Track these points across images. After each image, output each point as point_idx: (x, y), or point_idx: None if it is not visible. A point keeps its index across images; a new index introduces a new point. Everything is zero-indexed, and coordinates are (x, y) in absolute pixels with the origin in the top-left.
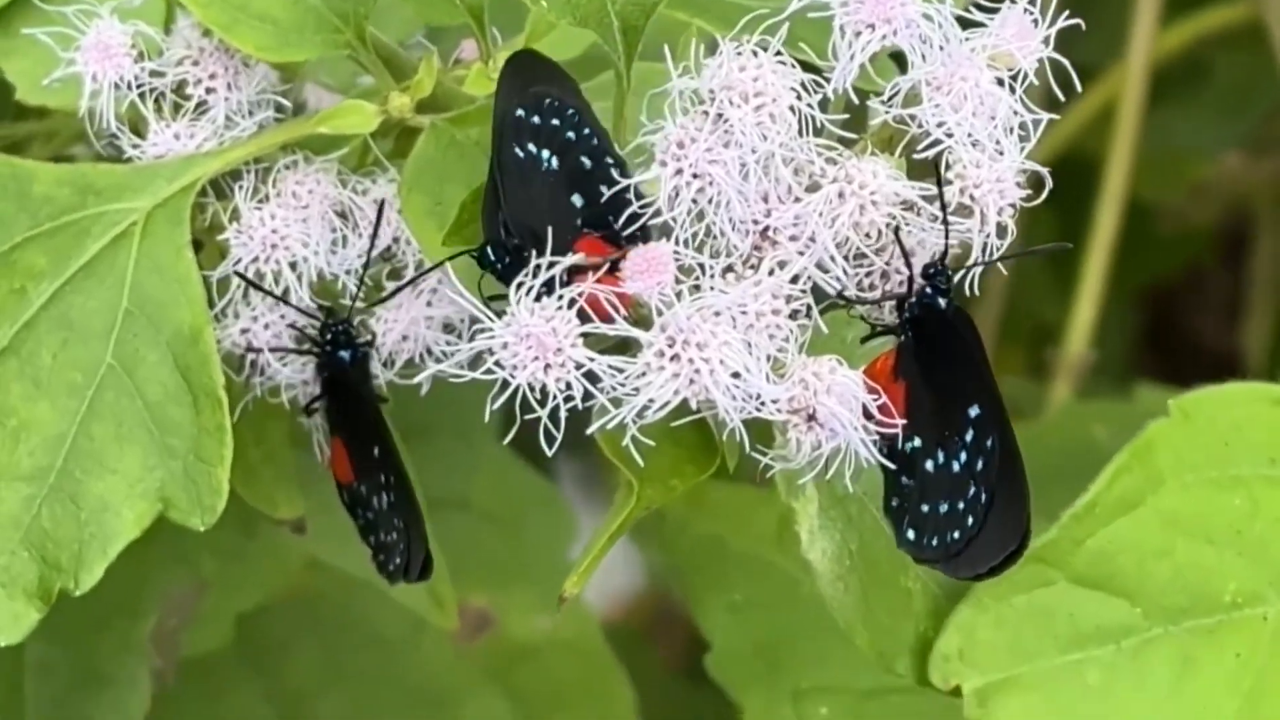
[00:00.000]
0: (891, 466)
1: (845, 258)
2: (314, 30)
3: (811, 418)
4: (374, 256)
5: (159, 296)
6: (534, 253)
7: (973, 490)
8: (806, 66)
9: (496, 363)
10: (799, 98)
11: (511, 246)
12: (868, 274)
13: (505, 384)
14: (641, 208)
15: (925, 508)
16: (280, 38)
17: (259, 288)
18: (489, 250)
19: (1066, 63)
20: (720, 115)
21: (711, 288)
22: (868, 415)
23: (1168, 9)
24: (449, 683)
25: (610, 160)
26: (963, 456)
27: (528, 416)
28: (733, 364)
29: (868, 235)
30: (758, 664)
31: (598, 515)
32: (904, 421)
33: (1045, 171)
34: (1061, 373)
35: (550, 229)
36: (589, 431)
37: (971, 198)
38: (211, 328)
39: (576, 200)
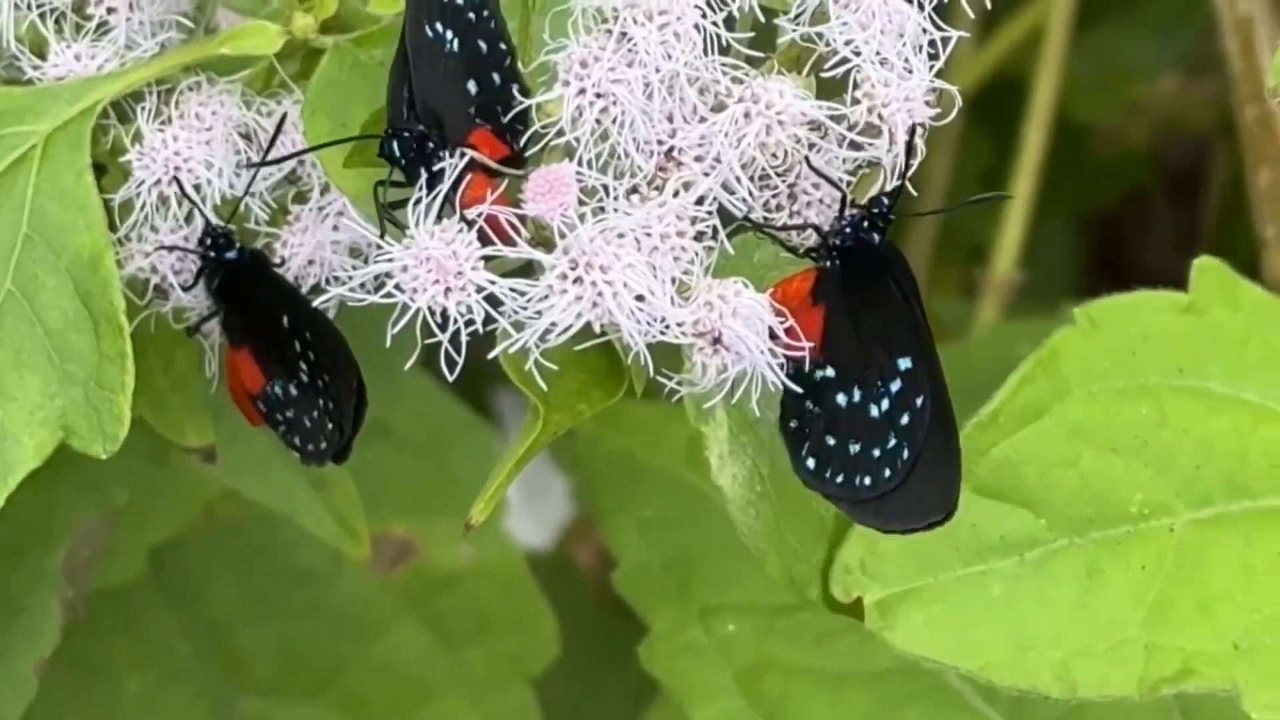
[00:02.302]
0: (795, 388)
1: (751, 178)
2: None
3: (717, 341)
4: (279, 179)
5: (59, 221)
6: (438, 141)
7: (893, 442)
8: None
9: (396, 286)
10: (704, 16)
11: (415, 135)
12: (774, 195)
13: (405, 307)
14: (544, 127)
15: (832, 441)
16: None
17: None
18: (393, 144)
19: None
20: (624, 34)
21: (615, 209)
22: (774, 337)
23: None
24: (370, 612)
25: (504, 46)
26: (884, 404)
27: (428, 341)
28: (636, 286)
29: (774, 156)
30: (666, 581)
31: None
32: (810, 345)
33: (955, 90)
34: (989, 293)
35: (450, 115)
36: (490, 355)
37: (880, 117)
38: (112, 253)
39: (471, 87)
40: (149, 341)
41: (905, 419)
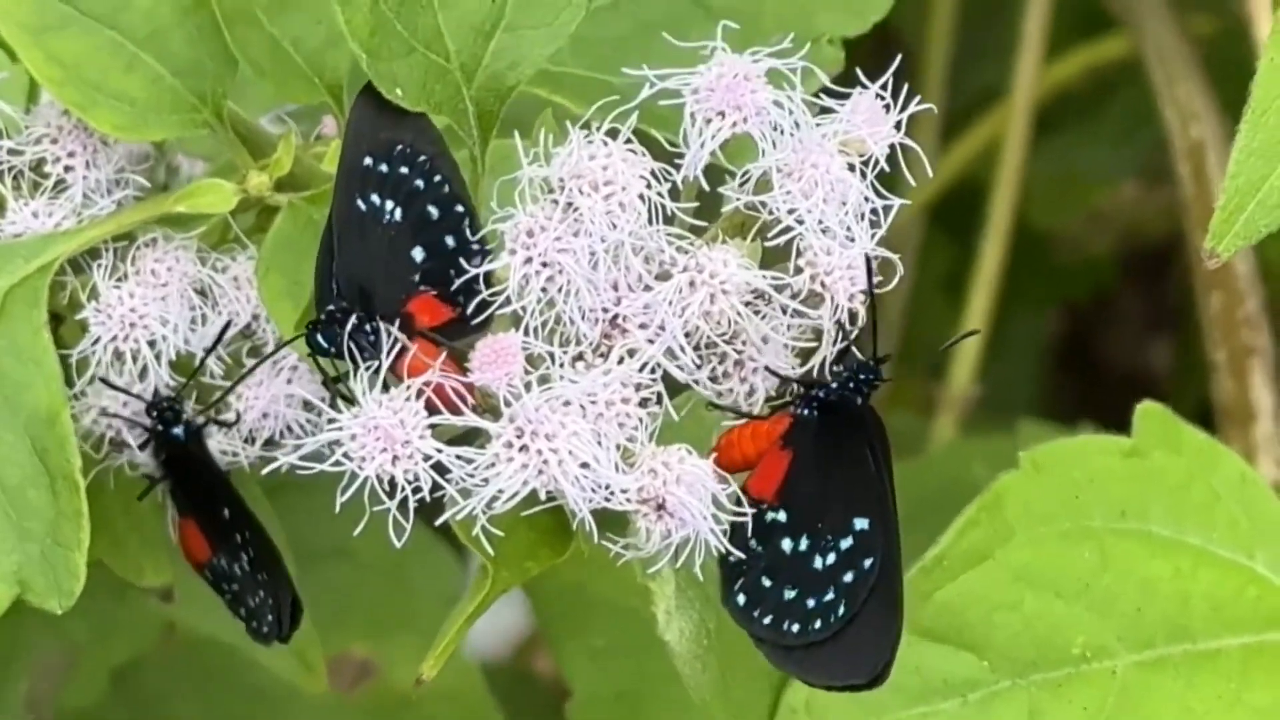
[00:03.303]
0: (744, 519)
1: (696, 346)
2: (171, 110)
3: (661, 507)
4: (234, 333)
5: (15, 377)
6: (362, 318)
7: (830, 596)
8: (658, 151)
9: (345, 454)
10: (649, 186)
11: (339, 320)
12: (720, 362)
13: (354, 475)
14: (491, 295)
15: (767, 583)
16: (138, 117)
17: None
18: (318, 336)
19: (917, 146)
20: (570, 204)
21: (561, 377)
22: (717, 504)
23: (1061, 39)
24: None
25: (460, 209)
26: (831, 558)
27: (376, 509)
28: (581, 454)
29: (718, 324)
30: (619, 710)
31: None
32: (758, 491)
33: (896, 258)
34: (945, 409)
35: (383, 286)
36: (438, 523)
37: (822, 284)
38: (68, 409)
39: (417, 254)
40: (108, 482)
41: (849, 577)
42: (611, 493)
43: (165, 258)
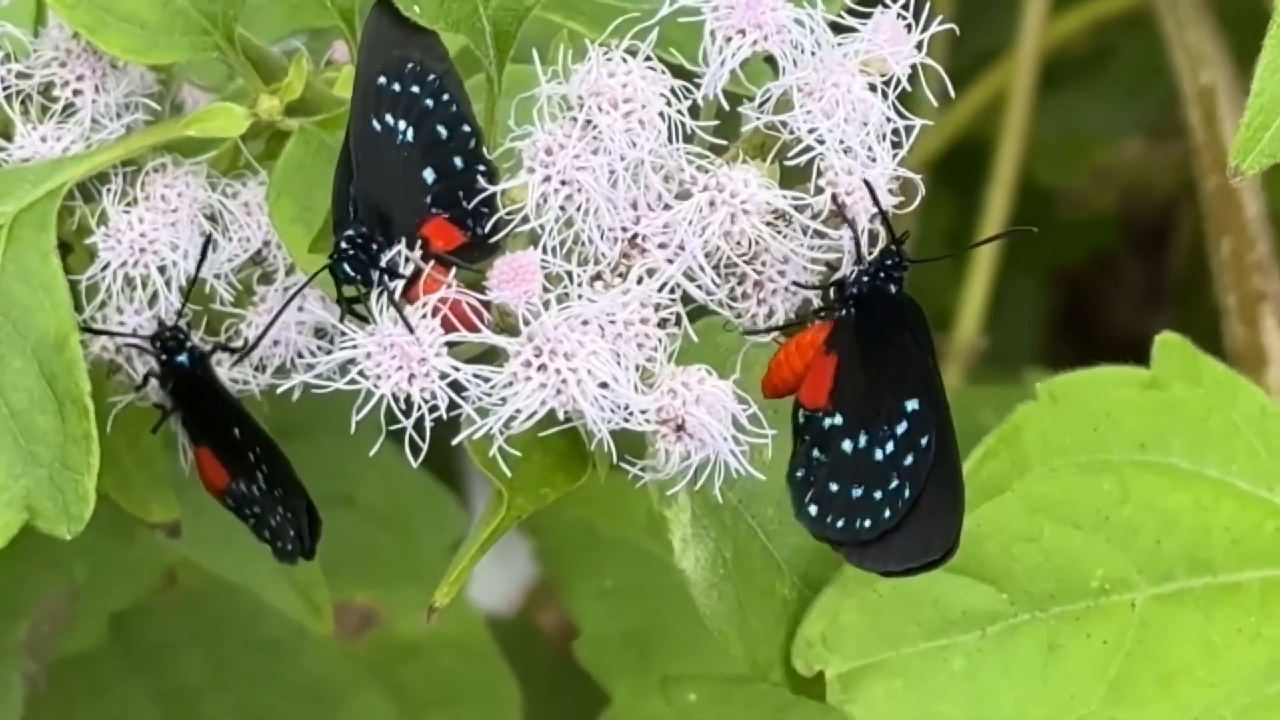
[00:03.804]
0: (805, 437)
1: (715, 266)
2: (182, 33)
3: (680, 428)
4: (244, 259)
5: (24, 302)
6: (383, 243)
7: (895, 483)
8: (678, 71)
9: (360, 372)
10: (669, 104)
11: (361, 245)
12: (739, 282)
13: (370, 393)
14: (509, 213)
15: (834, 487)
16: (148, 40)
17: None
18: (343, 266)
19: (939, 67)
20: (589, 121)
21: (579, 296)
22: (738, 425)
23: None
24: (332, 681)
25: (467, 129)
26: (889, 447)
27: (392, 427)
28: (600, 374)
29: (738, 244)
30: (627, 651)
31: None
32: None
33: (918, 178)
34: (953, 358)
35: (399, 209)
36: (455, 442)
37: (842, 205)
38: (77, 334)
39: (428, 175)
40: (114, 417)
41: (909, 460)
42: (630, 413)
43: (175, 183)
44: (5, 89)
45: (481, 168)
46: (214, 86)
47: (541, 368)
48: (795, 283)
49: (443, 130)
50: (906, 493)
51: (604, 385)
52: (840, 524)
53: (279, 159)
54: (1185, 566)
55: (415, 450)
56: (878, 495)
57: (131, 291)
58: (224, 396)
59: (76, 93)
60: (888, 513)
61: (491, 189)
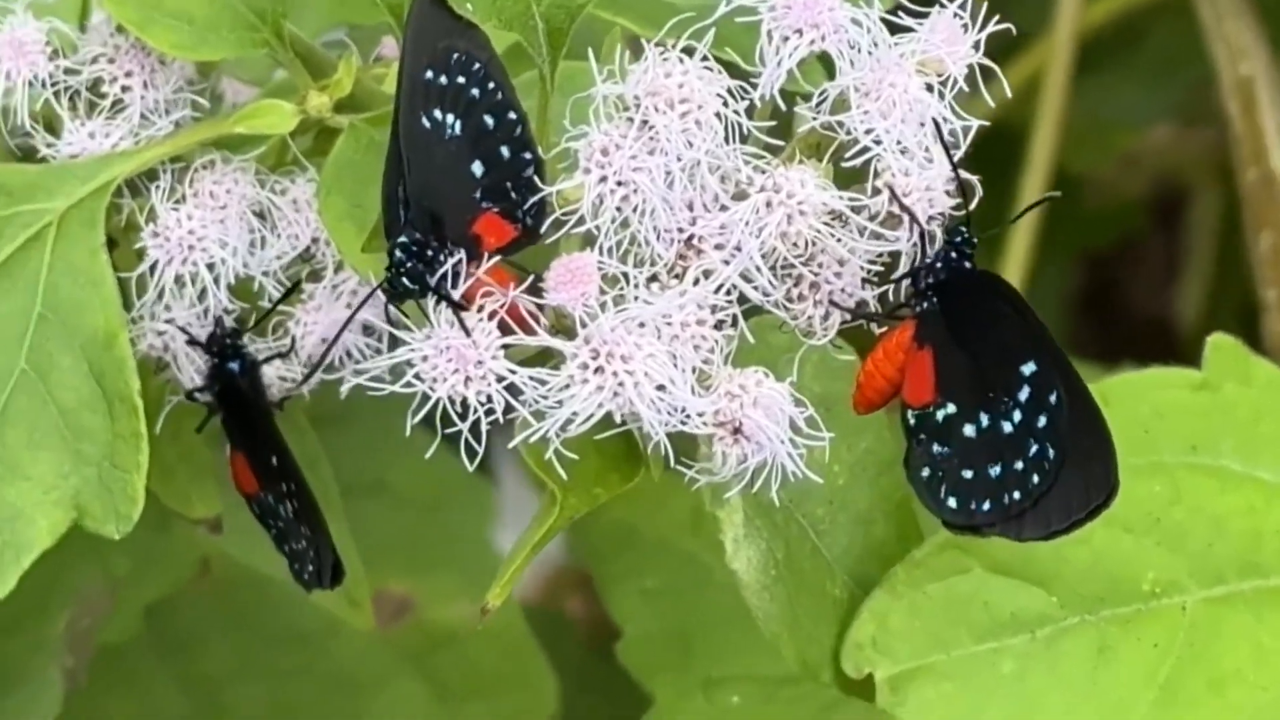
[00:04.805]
0: (921, 435)
1: (772, 268)
2: (230, 28)
3: (737, 431)
4: (293, 257)
5: (73, 300)
6: (437, 246)
7: (1035, 448)
8: (733, 71)
9: (416, 375)
10: (725, 104)
11: (415, 254)
12: (796, 284)
13: (425, 396)
14: (564, 214)
15: (969, 474)
16: (196, 36)
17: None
18: (401, 281)
19: (995, 67)
20: (645, 122)
21: (636, 298)
22: (794, 427)
23: None
24: (366, 669)
25: (513, 115)
26: (1016, 416)
27: (449, 430)
28: (657, 377)
29: (795, 245)
30: (669, 651)
31: (519, 492)
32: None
33: (975, 180)
34: None
35: (451, 208)
36: (511, 445)
37: (903, 204)
38: (126, 332)
39: (477, 168)
40: (158, 412)
41: (1042, 421)
42: (688, 416)
43: (224, 180)
44: (54, 85)
45: (527, 155)
46: (256, 80)
47: (599, 370)
48: (836, 304)
49: (489, 119)
50: (1051, 453)
51: (661, 388)
52: (987, 506)
53: (329, 156)
54: (1236, 569)
55: (470, 454)
56: (1019, 465)
57: (180, 289)
58: (265, 418)
59: (125, 89)
60: (1036, 477)
61: (541, 186)
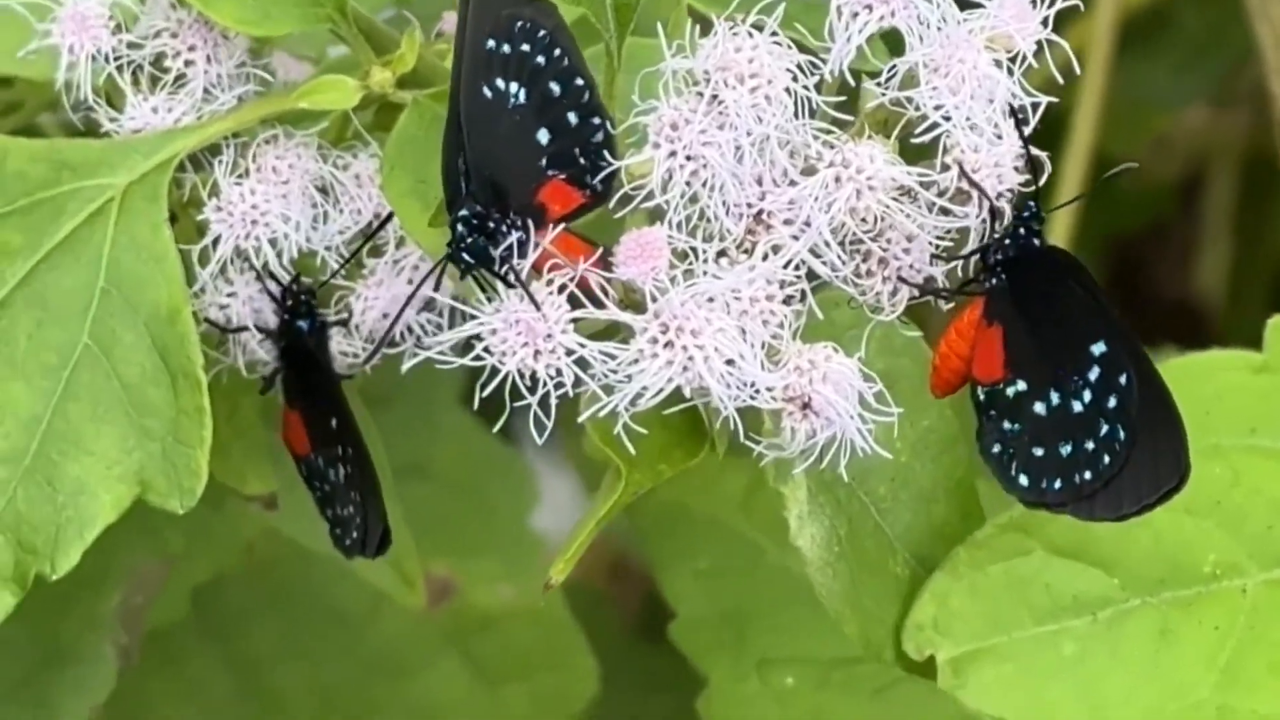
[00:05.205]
0: (991, 412)
1: (840, 243)
2: (294, 3)
3: (806, 406)
4: (354, 232)
5: (136, 274)
6: (499, 218)
7: (1106, 428)
8: (802, 48)
9: (485, 349)
10: (795, 79)
11: (478, 227)
12: (864, 260)
13: (494, 370)
14: (633, 189)
15: (1040, 451)
16: (260, 11)
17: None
18: (464, 256)
19: (1065, 44)
20: (715, 96)
21: (705, 272)
22: (863, 403)
23: None
24: (408, 651)
25: (580, 81)
26: (1086, 395)
27: (517, 404)
28: (727, 351)
29: (863, 221)
30: (723, 632)
31: (557, 474)
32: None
33: (1044, 156)
34: None
35: (514, 178)
36: (580, 420)
37: (974, 179)
38: (189, 307)
39: (543, 136)
40: (214, 388)
41: (1112, 401)
42: (757, 391)
43: (286, 154)
44: (117, 60)
45: (596, 120)
46: (313, 56)
47: (668, 345)
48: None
49: (556, 87)
50: (1121, 434)
51: (730, 362)
52: (1058, 485)
53: (392, 132)
54: None
55: (540, 428)
56: (1090, 445)
57: (244, 263)
58: (330, 380)
59: (188, 63)
60: (1107, 458)
61: (612, 150)
